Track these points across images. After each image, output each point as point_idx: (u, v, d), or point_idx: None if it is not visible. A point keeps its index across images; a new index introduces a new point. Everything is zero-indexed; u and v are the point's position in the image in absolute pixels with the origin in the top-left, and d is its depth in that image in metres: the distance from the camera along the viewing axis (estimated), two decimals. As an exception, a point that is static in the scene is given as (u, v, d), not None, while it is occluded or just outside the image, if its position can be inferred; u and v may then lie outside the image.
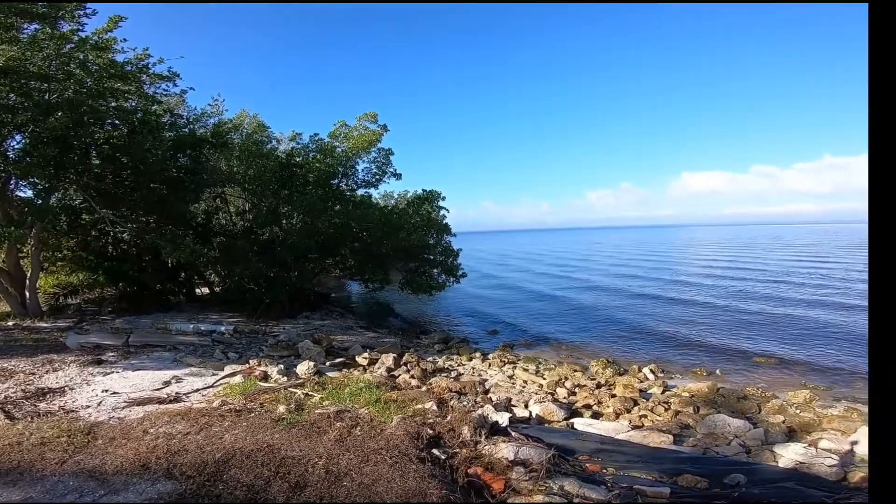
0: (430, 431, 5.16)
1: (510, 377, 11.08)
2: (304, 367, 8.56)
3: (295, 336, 13.36)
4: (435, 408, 6.27)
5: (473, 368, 11.91)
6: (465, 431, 5.28)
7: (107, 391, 7.09)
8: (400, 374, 9.93)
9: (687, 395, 9.49)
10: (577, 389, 10.01)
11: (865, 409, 8.93)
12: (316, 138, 19.85)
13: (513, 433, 5.83)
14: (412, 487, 3.69)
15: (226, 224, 19.71)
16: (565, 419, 7.71)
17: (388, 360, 10.85)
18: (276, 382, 7.59)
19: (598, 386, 10.29)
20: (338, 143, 19.62)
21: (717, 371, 12.05)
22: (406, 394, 7.18)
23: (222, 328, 13.43)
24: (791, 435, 7.40)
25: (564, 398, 9.39)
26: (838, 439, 6.51)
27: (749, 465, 5.69)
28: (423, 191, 23.10)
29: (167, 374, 8.23)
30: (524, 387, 10.24)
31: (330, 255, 20.36)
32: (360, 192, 21.88)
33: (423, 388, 8.58)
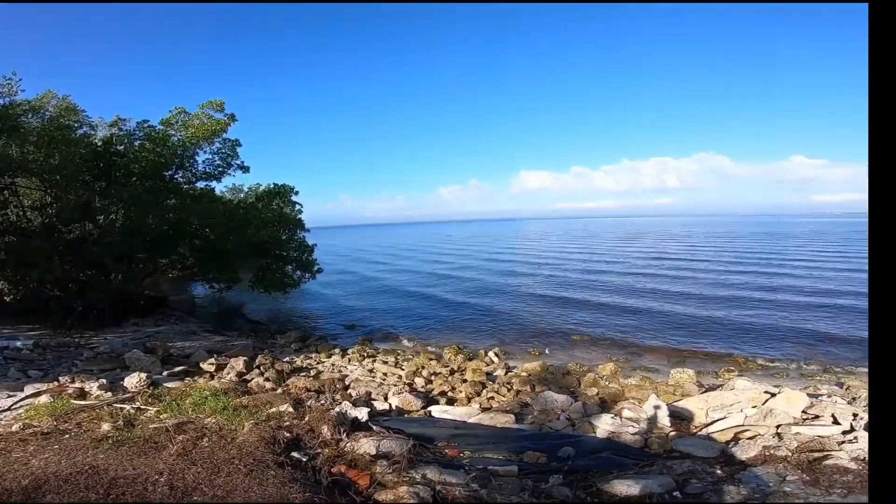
0: (288, 434, 4.82)
1: (370, 371, 10.98)
2: (133, 380, 7.32)
3: (121, 346, 11.34)
4: (291, 409, 5.90)
5: (333, 365, 11.52)
6: (326, 430, 5.05)
7: None
8: (253, 378, 9.12)
9: (525, 374, 10.40)
10: (433, 377, 10.35)
11: (655, 377, 10.56)
12: (145, 125, 17.10)
13: (374, 427, 5.75)
14: (273, 494, 3.39)
15: (17, 221, 15.79)
16: (423, 408, 7.87)
17: (238, 364, 9.89)
18: (98, 399, 6.35)
19: (452, 372, 10.79)
20: (173, 132, 17.15)
21: (547, 350, 13.49)
22: (259, 398, 6.62)
23: (18, 343, 10.77)
24: (603, 406, 8.02)
25: (422, 387, 9.64)
26: (636, 408, 7.06)
27: (575, 437, 6.14)
28: (275, 185, 21.65)
29: (-60, 402, 6.31)
30: (384, 379, 10.23)
31: (164, 255, 17.78)
32: (201, 184, 19.58)
33: (279, 391, 8.01)
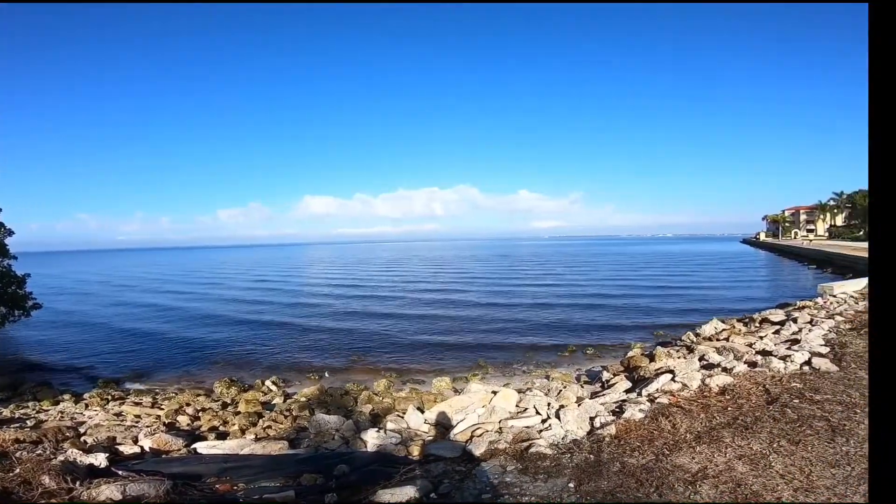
0: (-13, 490, 3.59)
1: (118, 414, 8.86)
2: None
3: None
4: (-12, 463, 4.39)
5: (63, 413, 8.92)
6: (48, 481, 3.97)
7: None
8: (-82, 438, 6.29)
9: (304, 399, 9.87)
10: (200, 414, 8.98)
11: (421, 387, 10.93)
12: None
13: (120, 472, 4.78)
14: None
15: None
16: (186, 446, 6.76)
17: None
18: None
19: (224, 406, 9.56)
20: None
21: (326, 374, 12.71)
22: (-69, 458, 4.67)
23: None
24: (376, 420, 7.84)
25: (188, 425, 8.27)
26: (398, 419, 7.16)
27: (349, 454, 6.03)
28: None
29: None
30: (137, 421, 8.40)
31: None
32: None
33: (-32, 448, 5.75)
